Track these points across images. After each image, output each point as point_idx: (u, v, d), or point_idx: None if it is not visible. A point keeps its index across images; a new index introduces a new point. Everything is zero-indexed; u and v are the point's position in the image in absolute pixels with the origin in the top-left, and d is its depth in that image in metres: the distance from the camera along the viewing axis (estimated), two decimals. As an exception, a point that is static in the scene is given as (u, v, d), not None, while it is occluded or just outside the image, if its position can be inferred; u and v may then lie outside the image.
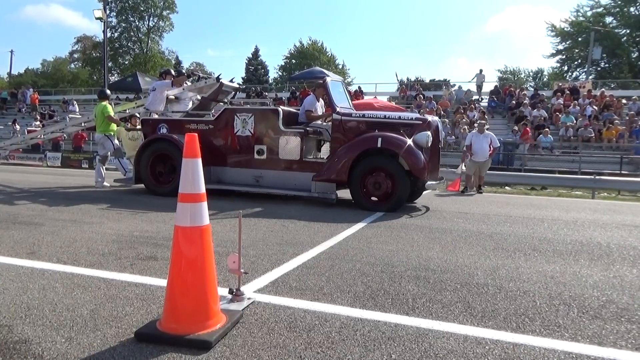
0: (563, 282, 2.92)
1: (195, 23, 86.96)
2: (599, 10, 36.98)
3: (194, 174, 1.96)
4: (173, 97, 8.07)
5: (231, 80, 8.30)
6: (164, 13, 49.56)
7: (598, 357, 1.87)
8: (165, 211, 5.35)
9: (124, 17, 48.44)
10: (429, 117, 6.63)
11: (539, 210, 6.80)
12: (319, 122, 7.01)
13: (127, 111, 9.96)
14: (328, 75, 7.35)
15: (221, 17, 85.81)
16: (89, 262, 3.06)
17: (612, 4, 36.29)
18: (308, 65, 39.67)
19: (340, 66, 48.66)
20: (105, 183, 8.32)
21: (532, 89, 24.56)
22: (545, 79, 45.15)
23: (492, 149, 9.64)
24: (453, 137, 17.15)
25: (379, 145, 5.91)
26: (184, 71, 9.62)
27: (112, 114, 8.46)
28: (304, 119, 7.00)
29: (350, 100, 7.37)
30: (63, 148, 20.16)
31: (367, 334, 2.02)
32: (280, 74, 50.09)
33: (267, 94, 25.32)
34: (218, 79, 7.90)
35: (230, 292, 2.31)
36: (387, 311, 2.31)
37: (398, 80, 33.19)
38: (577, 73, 39.63)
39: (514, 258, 3.55)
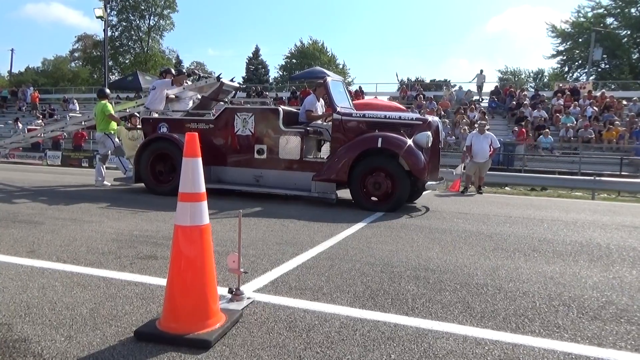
0: (563, 282, 2.92)
1: (196, 22, 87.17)
2: (600, 11, 37.01)
3: (194, 173, 1.96)
4: (173, 96, 8.07)
5: (231, 80, 8.30)
6: (165, 12, 49.56)
7: (597, 358, 1.87)
8: (165, 210, 5.35)
9: (124, 16, 48.42)
10: (430, 118, 6.63)
11: (539, 210, 6.80)
12: (319, 121, 7.02)
13: (127, 110, 9.97)
14: (328, 75, 7.37)
15: (222, 16, 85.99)
16: (89, 261, 3.06)
17: (613, 5, 36.31)
18: (308, 65, 39.67)
19: (341, 66, 48.72)
20: (105, 182, 8.32)
21: (533, 90, 24.60)
22: (545, 80, 45.25)
23: (492, 149, 9.66)
24: (453, 137, 17.15)
25: (379, 145, 5.91)
26: (184, 70, 9.60)
27: (112, 112, 8.47)
28: (304, 119, 7.00)
29: (350, 100, 7.37)
30: (63, 147, 20.15)
31: (366, 334, 2.02)
32: (281, 73, 50.12)
33: (267, 93, 25.32)
34: (218, 78, 7.89)
35: (230, 291, 2.31)
36: (387, 311, 2.31)
37: (398, 80, 33.31)
38: (578, 74, 39.70)
39: (513, 258, 3.55)
